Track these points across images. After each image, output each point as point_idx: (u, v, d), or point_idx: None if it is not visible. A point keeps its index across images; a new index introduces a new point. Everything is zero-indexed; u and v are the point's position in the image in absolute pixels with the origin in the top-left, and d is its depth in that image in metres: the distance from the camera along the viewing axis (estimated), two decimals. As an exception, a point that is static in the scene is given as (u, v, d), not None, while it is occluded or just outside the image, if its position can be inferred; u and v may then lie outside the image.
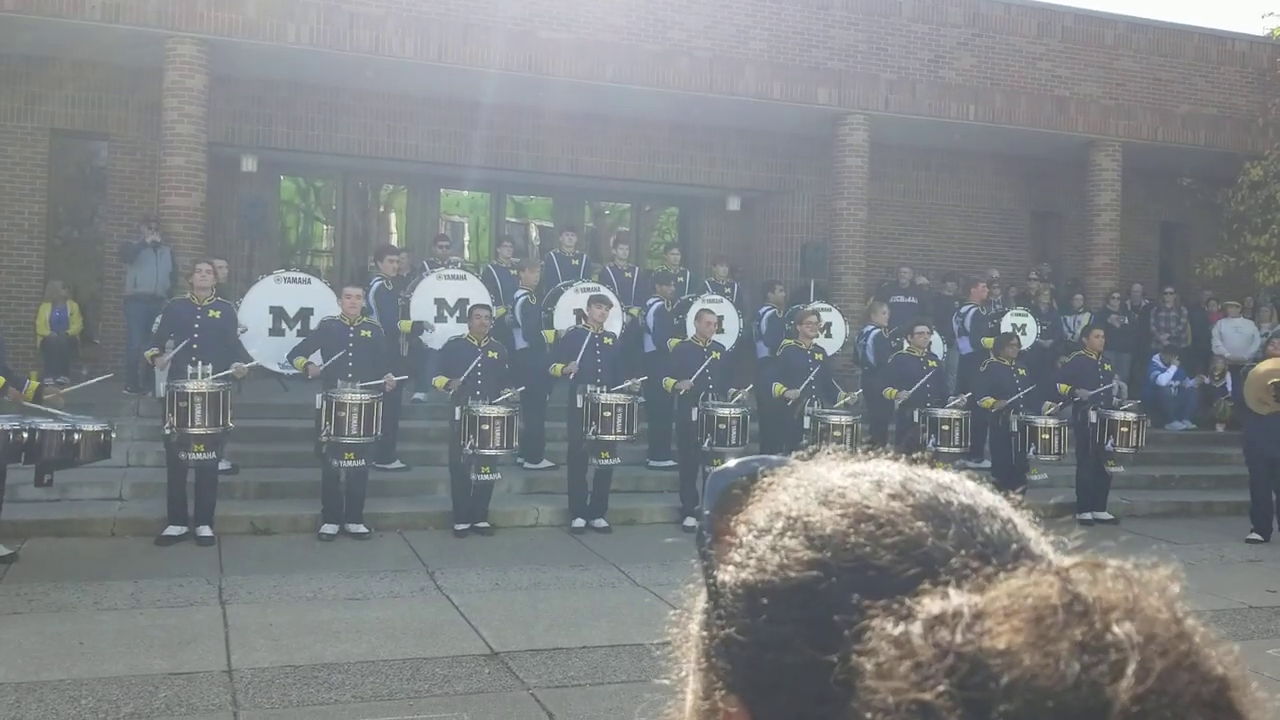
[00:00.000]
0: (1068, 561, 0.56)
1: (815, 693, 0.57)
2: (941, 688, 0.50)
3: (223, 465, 9.68)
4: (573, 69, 13.95)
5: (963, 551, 0.58)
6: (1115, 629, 0.50)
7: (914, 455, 0.70)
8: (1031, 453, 11.17)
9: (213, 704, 5.59)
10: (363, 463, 9.45)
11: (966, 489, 0.63)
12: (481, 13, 13.50)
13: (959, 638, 0.51)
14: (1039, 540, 0.62)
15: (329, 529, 9.42)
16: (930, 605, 0.54)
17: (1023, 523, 0.63)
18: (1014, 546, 0.60)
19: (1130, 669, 0.49)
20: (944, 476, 0.65)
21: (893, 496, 0.62)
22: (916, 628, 0.53)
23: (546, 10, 13.82)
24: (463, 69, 13.63)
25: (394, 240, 16.71)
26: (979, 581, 0.56)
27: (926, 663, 0.51)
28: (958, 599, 0.54)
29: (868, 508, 0.61)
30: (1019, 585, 0.54)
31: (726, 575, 0.64)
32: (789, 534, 0.62)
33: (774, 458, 0.72)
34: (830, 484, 0.64)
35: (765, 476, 0.69)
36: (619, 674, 6.24)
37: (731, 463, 0.73)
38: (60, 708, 5.43)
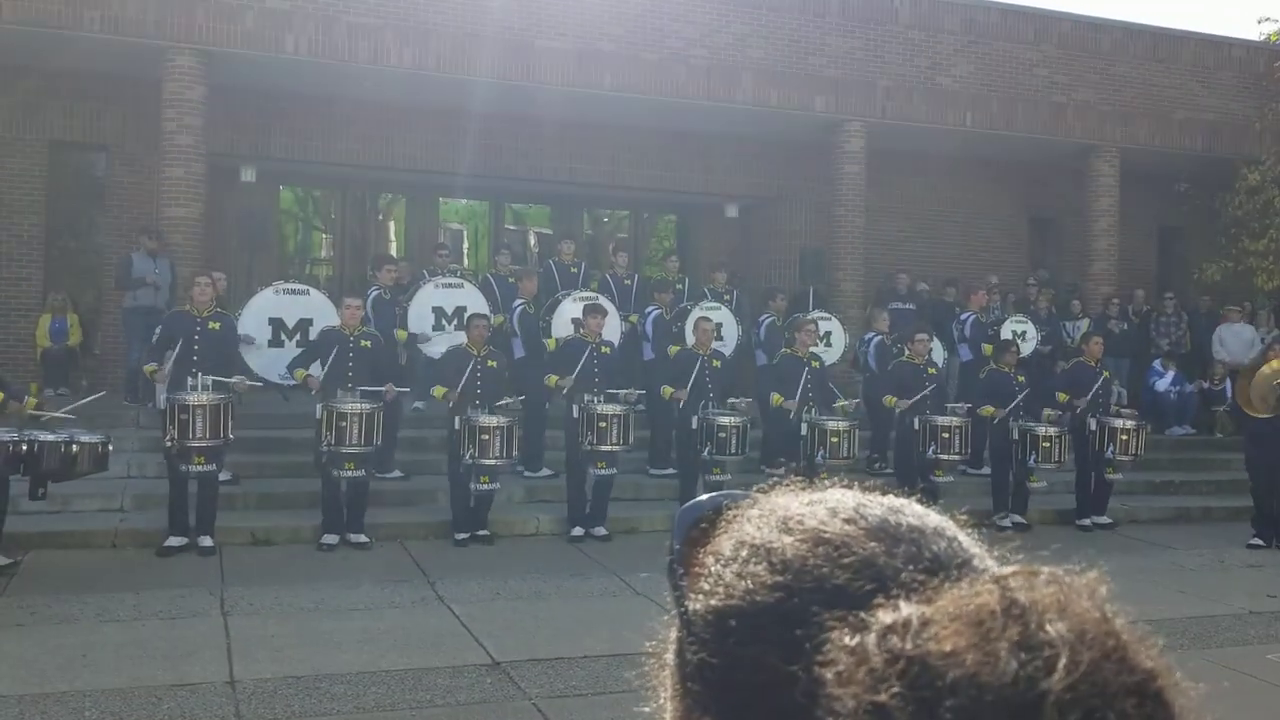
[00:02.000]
0: (1006, 570, 0.61)
1: (783, 709, 0.61)
2: (895, 689, 0.54)
3: (223, 476, 9.69)
4: (570, 78, 13.99)
5: (911, 567, 0.63)
6: (1048, 629, 0.55)
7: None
8: (1032, 461, 11.18)
9: (215, 715, 5.59)
10: (363, 473, 9.46)
11: (914, 511, 0.68)
12: (479, 23, 13.53)
13: (908, 644, 0.56)
14: (983, 556, 0.67)
15: (329, 539, 9.42)
16: (883, 616, 0.58)
17: (967, 540, 0.68)
18: (959, 561, 0.65)
19: (1061, 663, 0.53)
20: (894, 500, 0.69)
21: (847, 521, 0.66)
22: (871, 638, 0.57)
23: (544, 19, 13.85)
24: (460, 78, 13.65)
25: (393, 249, 16.73)
26: (927, 594, 0.60)
27: (880, 668, 0.55)
28: (907, 609, 0.58)
29: (824, 532, 0.66)
30: (962, 594, 0.58)
31: (697, 604, 0.68)
32: (754, 561, 0.66)
33: (738, 492, 0.76)
34: (789, 512, 0.69)
35: (730, 509, 0.73)
36: (620, 683, 6.23)
37: (702, 497, 0.78)
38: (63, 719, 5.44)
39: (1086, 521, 11.54)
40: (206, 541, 9.03)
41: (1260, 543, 10.94)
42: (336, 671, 6.27)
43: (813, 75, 15.09)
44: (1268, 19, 19.59)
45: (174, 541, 8.99)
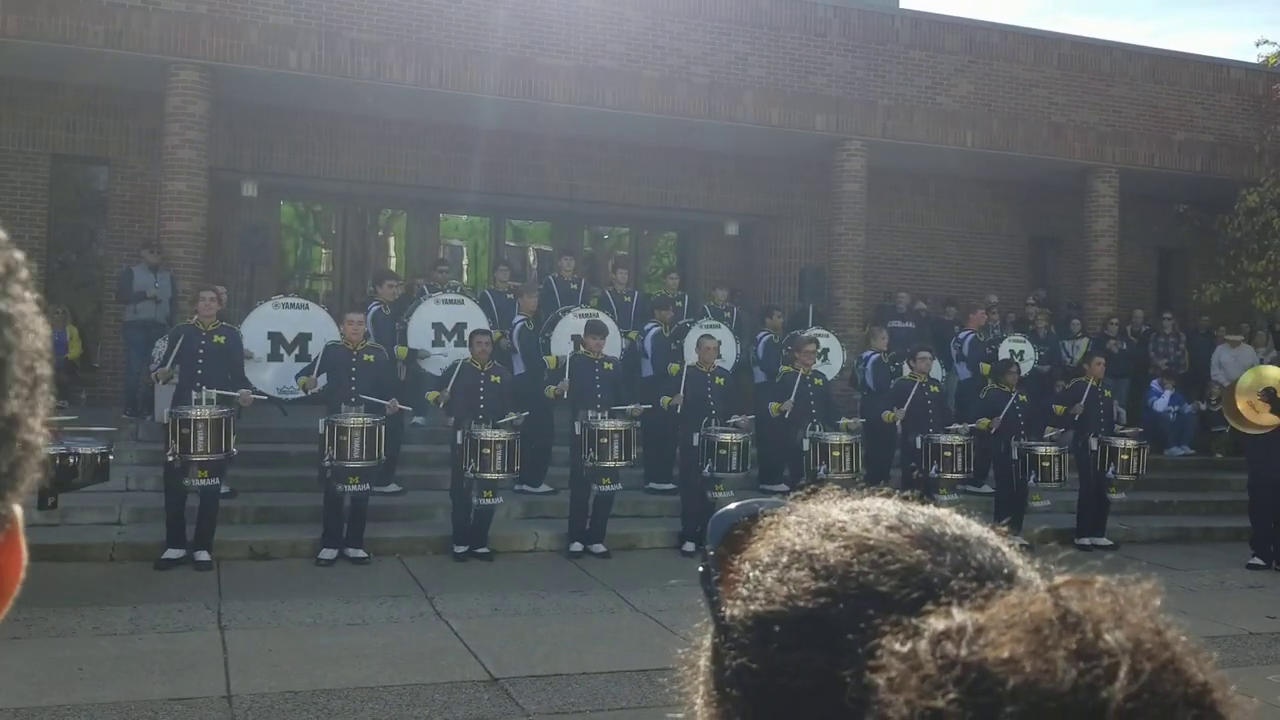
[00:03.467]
0: (1058, 579, 0.60)
1: (827, 715, 0.60)
2: (951, 695, 0.54)
3: (222, 489, 9.66)
4: (571, 94, 14.02)
5: (960, 575, 0.63)
6: (1106, 637, 0.55)
7: (913, 489, 0.74)
8: (1032, 480, 11.17)
9: (212, 730, 5.57)
10: (367, 487, 9.45)
11: (957, 521, 0.68)
12: (481, 39, 13.58)
13: (964, 650, 0.55)
14: (1026, 567, 0.67)
15: (328, 553, 9.40)
16: (936, 623, 0.58)
17: (1010, 550, 0.68)
18: (1005, 570, 0.65)
19: (1123, 672, 0.53)
20: (936, 510, 0.70)
21: (890, 528, 0.66)
22: (923, 644, 0.57)
23: (545, 36, 13.90)
24: (462, 95, 13.69)
25: (393, 264, 16.74)
26: (978, 601, 0.60)
27: (934, 674, 0.55)
28: (960, 616, 0.58)
29: (868, 539, 0.65)
30: (1015, 602, 0.58)
31: (735, 609, 0.67)
32: (795, 567, 0.66)
33: (772, 499, 0.76)
34: (831, 519, 0.69)
35: (766, 516, 0.73)
36: (619, 700, 6.22)
37: (733, 505, 0.77)
38: (59, 734, 5.41)
39: (1086, 541, 11.51)
40: (204, 556, 9.00)
41: (1260, 563, 10.93)
42: (334, 687, 6.24)
43: (813, 94, 15.14)
44: (1266, 42, 19.65)
45: (172, 554, 8.96)
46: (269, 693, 6.10)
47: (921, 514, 0.68)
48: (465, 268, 17.95)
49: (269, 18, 12.84)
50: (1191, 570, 10.87)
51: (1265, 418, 10.60)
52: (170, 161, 12.69)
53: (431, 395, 9.95)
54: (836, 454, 10.48)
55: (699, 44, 14.60)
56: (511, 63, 13.68)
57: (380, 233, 17.83)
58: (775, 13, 15.04)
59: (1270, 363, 14.33)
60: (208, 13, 12.63)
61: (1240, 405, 10.87)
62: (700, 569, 0.74)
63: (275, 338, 10.72)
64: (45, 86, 13.77)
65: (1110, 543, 11.71)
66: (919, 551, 0.64)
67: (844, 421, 11.05)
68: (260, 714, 5.79)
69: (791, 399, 10.85)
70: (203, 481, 8.84)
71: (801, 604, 0.64)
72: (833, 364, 13.36)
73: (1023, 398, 11.61)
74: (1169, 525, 12.87)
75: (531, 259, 18.50)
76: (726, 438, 10.28)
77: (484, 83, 13.57)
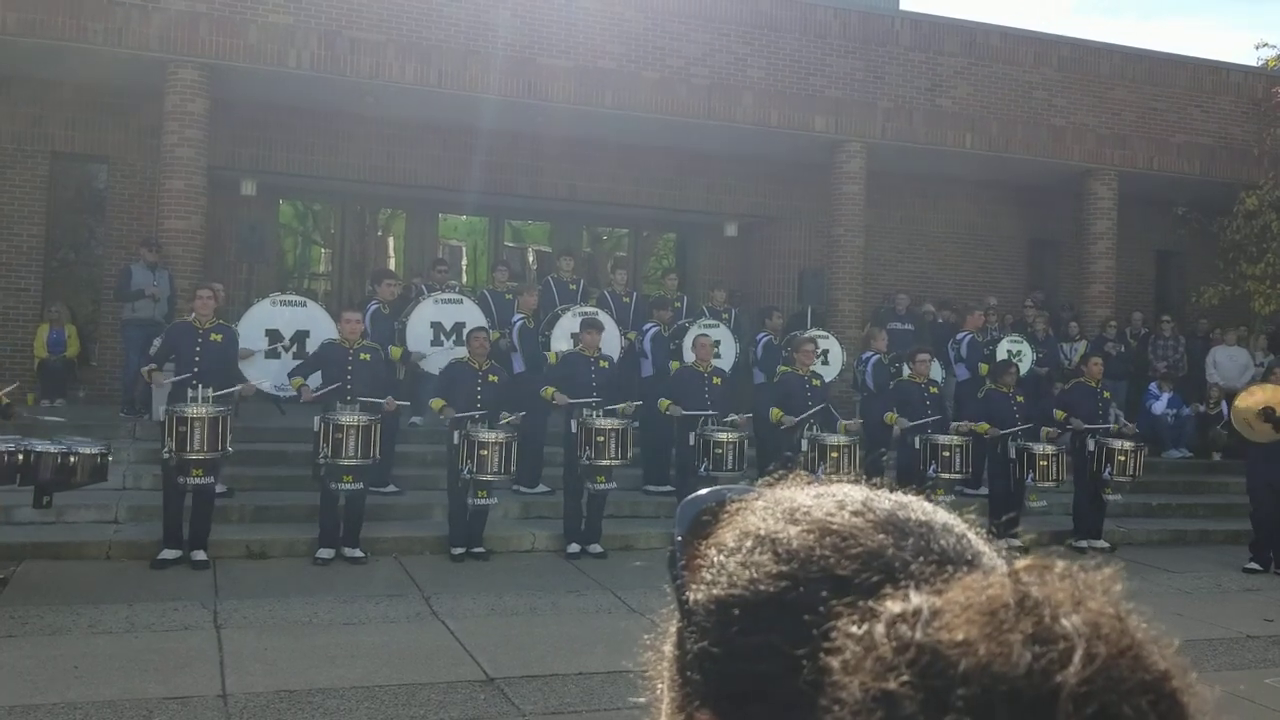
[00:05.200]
0: (1019, 564, 0.60)
1: (785, 699, 0.60)
2: (904, 677, 0.54)
3: (218, 488, 9.66)
4: (572, 95, 14.02)
5: (920, 560, 0.62)
6: (1063, 621, 0.54)
7: (880, 475, 0.74)
8: (1029, 480, 11.17)
9: (207, 729, 5.56)
10: (361, 485, 9.42)
11: (923, 507, 0.68)
12: (481, 39, 13.58)
13: (918, 633, 0.55)
14: (992, 555, 0.66)
15: (325, 553, 9.39)
16: (892, 605, 0.58)
17: (976, 538, 0.67)
18: (967, 556, 0.64)
19: (1077, 656, 0.52)
20: (902, 496, 0.69)
21: (855, 513, 0.66)
22: (879, 626, 0.56)
23: (546, 37, 13.90)
24: (462, 94, 13.69)
25: (392, 264, 16.74)
26: (937, 585, 0.60)
27: (888, 656, 0.55)
28: (917, 599, 0.57)
29: (831, 523, 0.65)
30: (973, 585, 0.58)
31: (699, 593, 0.67)
32: (758, 550, 0.66)
33: (741, 486, 0.76)
34: (796, 504, 0.68)
35: (733, 503, 0.73)
36: (615, 700, 6.21)
37: (703, 491, 0.77)
38: (54, 732, 5.40)
39: (1083, 543, 11.51)
40: (200, 555, 8.99)
41: (1257, 567, 10.92)
42: (330, 686, 6.24)
43: (813, 95, 15.14)
44: (1265, 44, 19.66)
45: (168, 554, 8.95)
46: (264, 691, 6.09)
47: (887, 500, 0.68)
48: (464, 268, 17.95)
49: (268, 16, 12.83)
50: (1189, 573, 10.87)
51: (1267, 435, 10.64)
52: (169, 160, 12.69)
53: (437, 404, 9.89)
54: (835, 455, 10.47)
55: (699, 45, 14.60)
56: (512, 63, 13.68)
57: (379, 232, 17.83)
58: (775, 14, 15.05)
59: (1268, 367, 14.31)
60: (207, 11, 12.62)
61: (1241, 429, 10.97)
62: (668, 554, 0.74)
63: (272, 334, 10.70)
64: (45, 84, 13.77)
65: (1107, 545, 11.71)
66: (881, 536, 0.64)
67: (842, 424, 11.05)
68: (255, 713, 5.79)
69: (795, 418, 10.81)
70: (198, 480, 8.82)
71: (762, 587, 0.64)
72: (832, 365, 13.37)
73: (1020, 399, 11.61)
74: (1166, 528, 12.87)
75: (531, 259, 18.51)
76: (723, 436, 10.28)
77: (484, 82, 13.56)
